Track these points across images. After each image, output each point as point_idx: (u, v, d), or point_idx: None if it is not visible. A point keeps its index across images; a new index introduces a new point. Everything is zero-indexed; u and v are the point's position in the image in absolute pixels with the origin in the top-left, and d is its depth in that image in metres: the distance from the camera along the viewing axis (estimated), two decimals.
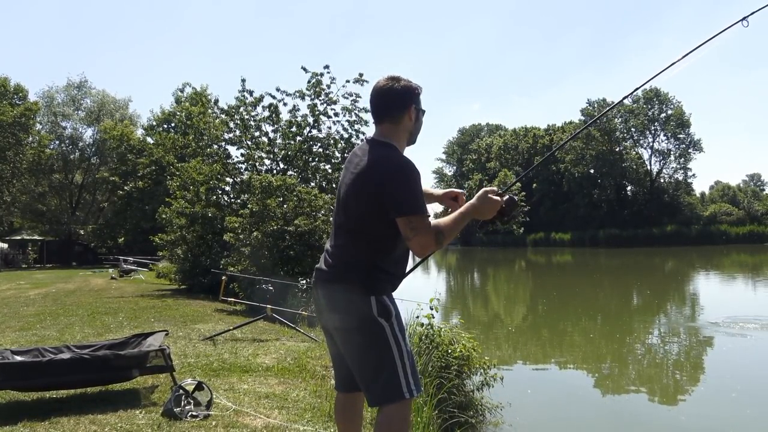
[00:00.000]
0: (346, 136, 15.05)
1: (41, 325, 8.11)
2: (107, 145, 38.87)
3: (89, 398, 4.11)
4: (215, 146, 15.59)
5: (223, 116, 15.60)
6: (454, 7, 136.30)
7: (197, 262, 14.31)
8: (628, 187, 62.29)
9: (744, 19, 2.97)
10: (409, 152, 2.39)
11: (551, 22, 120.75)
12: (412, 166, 2.19)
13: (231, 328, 7.21)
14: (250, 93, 15.22)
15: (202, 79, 75.61)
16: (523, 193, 47.16)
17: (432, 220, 2.20)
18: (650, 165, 61.37)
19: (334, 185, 14.13)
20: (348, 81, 14.71)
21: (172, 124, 36.08)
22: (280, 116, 15.32)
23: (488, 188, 2.38)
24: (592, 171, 61.35)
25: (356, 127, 15.04)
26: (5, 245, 33.13)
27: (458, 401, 5.16)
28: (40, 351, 4.26)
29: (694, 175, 69.30)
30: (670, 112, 59.02)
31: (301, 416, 3.87)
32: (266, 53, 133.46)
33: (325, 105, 14.99)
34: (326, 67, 14.82)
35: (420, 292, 6.26)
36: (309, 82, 14.87)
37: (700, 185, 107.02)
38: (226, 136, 15.44)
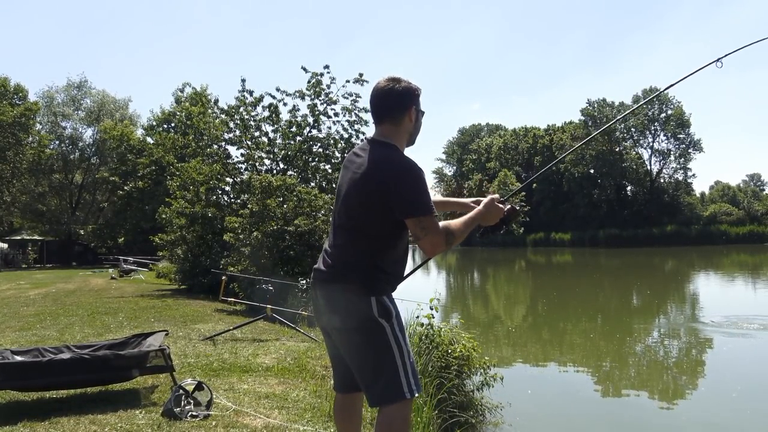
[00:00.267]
0: (346, 136, 15.07)
1: (41, 325, 8.11)
2: (107, 145, 38.86)
3: (89, 398, 4.10)
4: (215, 146, 15.59)
5: (223, 116, 15.60)
6: (455, 7, 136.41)
7: (197, 262, 14.31)
8: (628, 187, 62.31)
9: (718, 60, 3.11)
10: (409, 152, 2.40)
11: (551, 22, 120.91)
12: (418, 166, 2.21)
13: (231, 328, 7.21)
14: (250, 93, 15.24)
15: (202, 79, 75.67)
16: (523, 194, 47.16)
17: (442, 222, 2.23)
18: (650, 165, 61.50)
19: (334, 185, 14.12)
20: (348, 81, 14.75)
21: (172, 124, 36.03)
22: (280, 116, 15.35)
23: (494, 196, 2.44)
24: (592, 171, 61.35)
25: (356, 127, 15.07)
26: (5, 245, 33.12)
27: (458, 401, 5.16)
28: (40, 351, 4.25)
29: (694, 175, 69.42)
30: (670, 112, 59.03)
31: (301, 416, 3.87)
32: (266, 53, 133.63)
33: (325, 105, 15.01)
34: (326, 67, 14.86)
35: (420, 292, 6.26)
36: (309, 82, 14.88)
37: (700, 185, 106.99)
38: (226, 136, 15.44)
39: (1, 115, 34.17)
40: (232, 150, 15.84)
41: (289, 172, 14.71)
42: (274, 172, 14.63)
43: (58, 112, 41.32)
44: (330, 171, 15.06)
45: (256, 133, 15.33)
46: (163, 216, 15.11)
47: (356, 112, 14.94)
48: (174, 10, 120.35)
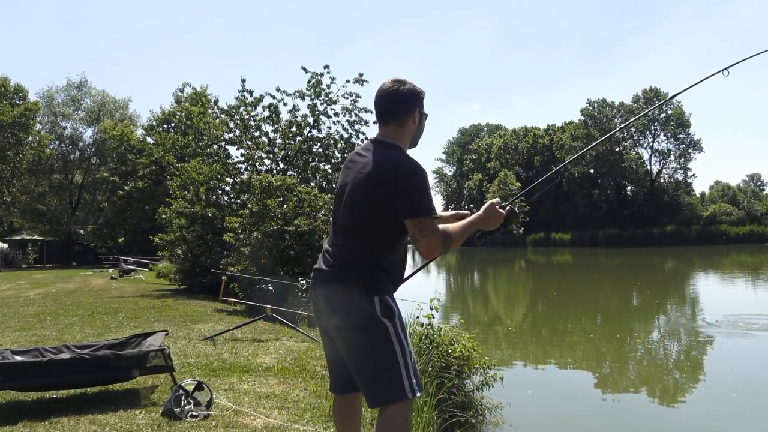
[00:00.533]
0: (346, 136, 15.04)
1: (41, 325, 8.10)
2: (107, 145, 38.85)
3: (89, 398, 4.10)
4: (215, 146, 15.58)
5: (223, 116, 15.59)
6: (455, 7, 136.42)
7: (197, 262, 14.31)
8: (628, 187, 62.29)
9: (725, 69, 3.20)
10: (409, 152, 2.40)
11: (551, 23, 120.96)
12: (422, 167, 2.21)
13: (231, 328, 7.20)
14: (250, 93, 15.23)
15: (202, 79, 75.51)
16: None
17: (441, 225, 2.23)
18: (650, 165, 61.47)
19: (334, 185, 14.11)
20: (348, 81, 14.73)
21: (172, 124, 36.02)
22: (280, 116, 15.34)
23: (495, 200, 2.44)
24: (592, 171, 61.34)
25: (356, 127, 15.02)
26: (5, 245, 33.12)
27: (458, 401, 5.16)
28: (40, 351, 4.25)
29: (694, 175, 69.39)
30: (670, 112, 58.95)
31: (301, 416, 3.87)
32: (266, 53, 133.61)
33: (325, 105, 14.99)
34: (326, 67, 14.86)
35: (420, 292, 6.25)
36: (309, 82, 14.88)
37: (700, 185, 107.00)
38: (226, 136, 15.43)
39: (1, 115, 34.17)
40: (232, 150, 15.86)
41: (289, 172, 14.70)
42: (274, 172, 14.62)
43: (58, 112, 41.32)
44: (330, 171, 15.04)
45: (256, 133, 15.33)
46: (163, 216, 15.10)
47: (356, 112, 14.91)
48: (174, 10, 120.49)
